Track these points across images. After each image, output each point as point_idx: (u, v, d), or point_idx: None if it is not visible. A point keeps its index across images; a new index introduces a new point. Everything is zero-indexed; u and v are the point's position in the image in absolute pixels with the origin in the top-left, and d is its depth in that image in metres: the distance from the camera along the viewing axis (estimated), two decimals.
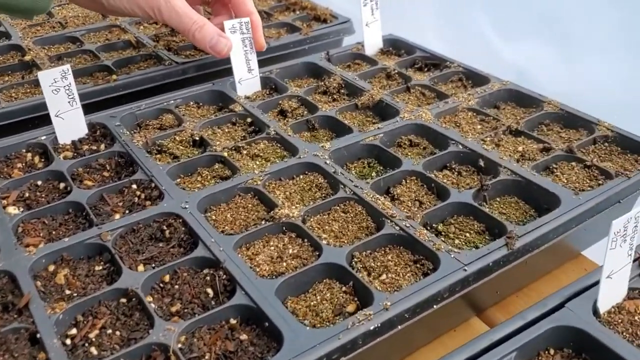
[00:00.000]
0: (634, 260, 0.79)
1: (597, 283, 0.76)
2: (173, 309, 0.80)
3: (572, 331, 0.72)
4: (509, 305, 0.97)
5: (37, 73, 1.09)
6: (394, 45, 1.51)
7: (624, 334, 0.74)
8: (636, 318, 0.76)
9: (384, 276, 0.84)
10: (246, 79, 1.32)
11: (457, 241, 0.91)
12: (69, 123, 1.14)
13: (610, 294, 0.76)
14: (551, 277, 1.02)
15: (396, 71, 1.37)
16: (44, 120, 1.19)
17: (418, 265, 0.85)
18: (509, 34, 1.39)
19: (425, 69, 1.41)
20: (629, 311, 0.76)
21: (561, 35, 1.28)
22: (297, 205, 0.97)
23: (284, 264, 0.86)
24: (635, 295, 0.79)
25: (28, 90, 1.32)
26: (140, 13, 1.18)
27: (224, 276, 0.83)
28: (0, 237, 0.90)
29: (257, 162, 1.08)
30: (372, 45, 1.48)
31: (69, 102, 1.13)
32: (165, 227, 0.92)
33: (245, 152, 1.11)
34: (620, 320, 0.75)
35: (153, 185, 1.01)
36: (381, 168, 1.09)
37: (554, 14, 1.28)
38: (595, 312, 0.76)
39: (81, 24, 1.64)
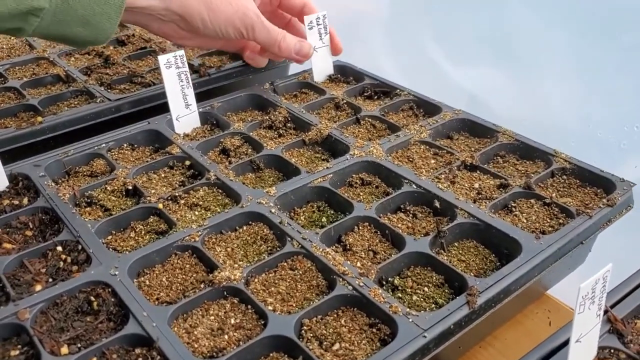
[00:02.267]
0: (604, 313, 0.73)
1: (566, 343, 0.71)
2: None
3: None
4: (473, 357, 0.91)
5: None
6: (342, 72, 1.44)
7: None
8: None
9: (336, 346, 0.76)
10: (184, 115, 1.23)
11: (414, 297, 0.84)
12: None
13: (580, 357, 0.70)
14: (514, 322, 0.97)
15: (345, 101, 1.31)
16: None
17: (374, 330, 0.78)
18: (459, 60, 1.34)
19: (375, 97, 1.35)
20: None
21: (510, 60, 1.24)
22: (240, 264, 0.88)
23: (226, 336, 0.77)
24: (605, 355, 0.73)
25: None
26: (232, 34, 1.17)
27: (158, 357, 0.74)
28: None
29: (196, 213, 0.99)
30: (321, 72, 1.41)
31: None
32: (92, 298, 0.83)
33: (182, 201, 1.01)
34: None
35: (80, 247, 0.91)
36: (332, 212, 1.02)
37: (502, 40, 1.24)
38: None
39: (6, 56, 1.52)
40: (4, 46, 1.56)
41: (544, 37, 1.17)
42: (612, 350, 0.74)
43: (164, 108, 1.29)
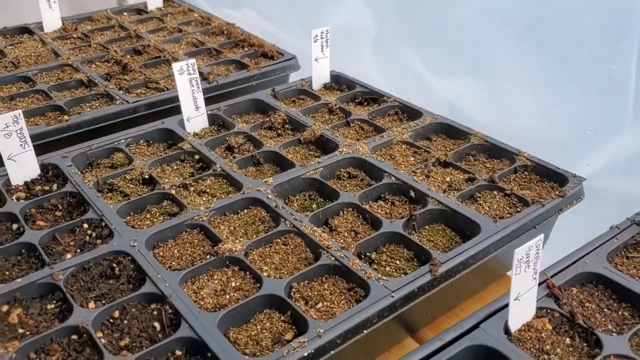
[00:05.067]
0: (541, 283, 0.88)
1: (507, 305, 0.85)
2: (122, 343, 0.85)
3: (484, 349, 0.81)
4: (440, 325, 1.05)
5: None
6: (336, 81, 1.60)
7: (532, 349, 0.82)
8: (542, 334, 0.85)
9: (320, 304, 0.91)
10: (194, 117, 1.39)
11: (387, 268, 0.99)
12: (22, 165, 1.19)
13: (520, 314, 0.85)
14: (479, 297, 1.11)
15: (337, 106, 1.46)
16: None
17: (352, 293, 0.93)
18: (439, 69, 1.49)
19: (365, 103, 1.50)
20: (536, 328, 0.85)
21: (483, 72, 1.39)
22: (241, 240, 1.03)
23: (227, 296, 0.92)
24: (542, 314, 0.88)
25: None
26: None
27: (170, 310, 0.89)
28: None
29: (204, 199, 1.15)
30: (319, 80, 1.57)
31: (20, 145, 1.17)
32: (115, 265, 0.98)
33: (192, 188, 1.17)
34: (528, 337, 0.84)
35: (103, 224, 1.06)
36: (321, 200, 1.17)
37: (476, 55, 1.40)
38: (507, 331, 0.84)
39: (33, 63, 1.68)
40: (32, 54, 1.73)
41: (512, 52, 1.32)
42: (548, 310, 0.88)
43: (176, 110, 1.45)
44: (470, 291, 1.10)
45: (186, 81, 1.35)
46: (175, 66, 1.33)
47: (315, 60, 1.55)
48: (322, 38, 1.52)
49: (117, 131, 1.37)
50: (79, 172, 1.20)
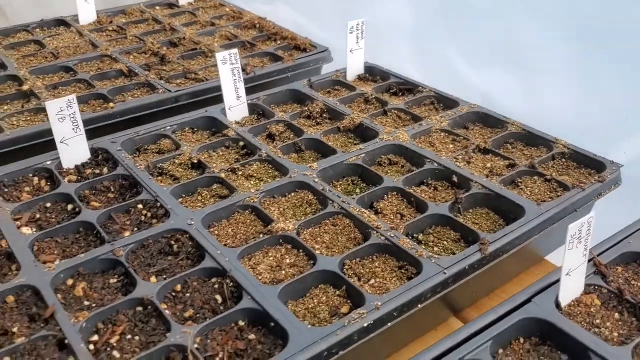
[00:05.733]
0: (589, 261, 0.91)
1: (558, 281, 0.88)
2: (186, 315, 0.88)
3: (539, 322, 0.84)
4: (483, 306, 1.08)
5: (45, 102, 1.17)
6: (370, 72, 1.63)
7: (582, 323, 0.85)
8: (592, 310, 0.88)
9: (372, 281, 0.94)
10: (235, 106, 1.42)
11: (436, 249, 1.02)
12: (73, 149, 1.23)
13: (570, 289, 0.88)
14: (519, 280, 1.14)
15: (373, 96, 1.50)
16: (46, 146, 1.28)
17: (403, 271, 0.96)
18: (474, 61, 1.53)
19: (400, 94, 1.54)
20: (585, 304, 0.88)
21: (519, 63, 1.42)
22: (291, 220, 1.07)
23: (283, 272, 0.96)
24: (590, 290, 0.91)
25: (28, 118, 1.40)
26: None
27: (231, 284, 0.92)
28: (19, 255, 0.97)
29: (252, 182, 1.18)
30: (354, 71, 1.61)
31: (73, 129, 1.21)
32: (173, 242, 1.01)
33: (240, 173, 1.20)
34: (579, 312, 0.87)
35: (159, 204, 1.10)
36: (364, 185, 1.20)
37: (511, 47, 1.43)
38: (558, 305, 0.87)
39: (72, 54, 1.72)
40: (70, 45, 1.77)
41: (547, 44, 1.34)
42: (596, 287, 0.91)
43: (215, 100, 1.49)
44: (511, 274, 1.13)
45: (229, 71, 1.39)
46: (219, 56, 1.37)
47: (351, 51, 1.58)
48: (357, 30, 1.56)
49: (160, 119, 1.41)
50: (129, 157, 1.24)
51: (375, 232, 1.02)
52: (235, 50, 1.39)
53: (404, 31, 1.67)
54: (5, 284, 0.92)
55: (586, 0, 1.25)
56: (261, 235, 1.03)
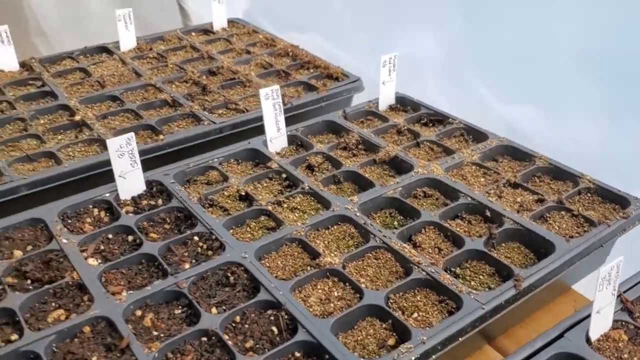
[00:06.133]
0: (617, 297, 0.98)
1: (588, 316, 0.96)
2: (247, 345, 0.97)
3: (571, 356, 0.92)
4: (514, 334, 1.16)
5: (99, 135, 1.26)
6: (401, 102, 1.71)
7: (611, 357, 0.93)
8: (619, 344, 0.95)
9: (415, 314, 1.02)
10: (276, 138, 1.51)
11: (472, 283, 1.10)
12: (130, 181, 1.32)
13: (599, 325, 0.96)
14: (547, 309, 1.22)
15: (405, 127, 1.58)
16: (100, 176, 1.38)
17: (443, 305, 1.04)
18: (502, 95, 1.60)
19: (430, 125, 1.62)
20: (614, 339, 0.96)
21: (547, 99, 1.50)
22: (336, 253, 1.15)
23: (332, 304, 1.04)
24: (618, 326, 0.98)
25: (82, 149, 1.49)
26: None
27: (286, 316, 1.01)
28: (90, 287, 1.07)
29: (297, 214, 1.27)
30: (385, 101, 1.69)
31: (131, 164, 1.30)
32: (229, 274, 1.10)
33: (285, 205, 1.29)
34: (607, 347, 0.95)
35: (213, 237, 1.19)
36: (401, 217, 1.28)
37: (538, 82, 1.50)
38: (588, 340, 0.95)
39: (117, 82, 1.82)
40: (114, 73, 1.86)
41: (576, 83, 1.42)
42: (623, 322, 0.99)
43: (255, 130, 1.59)
44: (541, 304, 1.21)
45: (270, 105, 1.48)
46: (262, 92, 1.45)
47: (383, 83, 1.66)
48: (390, 63, 1.64)
49: (204, 149, 1.50)
50: (182, 189, 1.33)
51: (416, 267, 1.10)
52: (277, 87, 1.48)
53: (434, 62, 1.76)
54: (80, 314, 1.01)
55: (616, 43, 1.32)
56: (309, 268, 1.12)
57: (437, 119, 1.63)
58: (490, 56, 1.63)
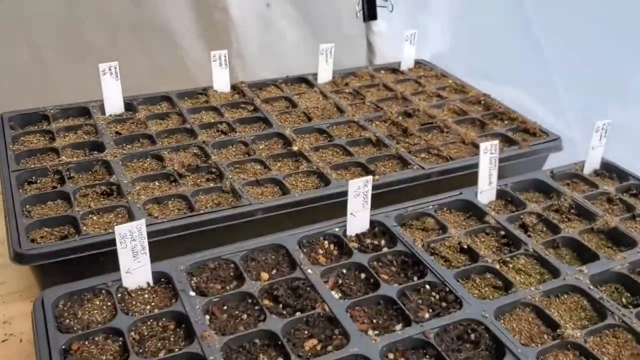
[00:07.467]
0: None
1: None
2: None
3: None
4: None
5: (348, 182, 1.34)
6: (606, 168, 1.69)
7: None
8: None
9: None
10: (486, 190, 1.54)
11: None
12: (359, 219, 1.40)
13: None
14: None
15: (617, 197, 1.56)
16: (320, 209, 1.47)
17: None
18: None
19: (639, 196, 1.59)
20: None
21: None
22: (572, 326, 1.16)
23: None
24: None
25: (302, 179, 1.59)
26: None
27: None
28: (342, 321, 1.14)
29: (522, 277, 1.29)
30: (591, 166, 1.68)
31: (362, 204, 1.38)
32: (470, 331, 1.14)
33: (510, 265, 1.32)
34: None
35: (447, 289, 1.23)
36: (628, 294, 1.27)
37: None
38: None
39: (321, 115, 1.92)
40: (317, 106, 1.97)
41: None
42: None
43: (460, 178, 1.62)
44: None
45: (487, 160, 1.51)
46: (482, 146, 1.49)
47: (592, 148, 1.66)
48: (602, 129, 1.63)
49: (409, 193, 1.55)
50: (407, 233, 1.39)
51: None
52: (496, 142, 1.51)
53: None
54: (339, 349, 1.08)
55: None
56: (546, 337, 1.14)
57: None
58: None
